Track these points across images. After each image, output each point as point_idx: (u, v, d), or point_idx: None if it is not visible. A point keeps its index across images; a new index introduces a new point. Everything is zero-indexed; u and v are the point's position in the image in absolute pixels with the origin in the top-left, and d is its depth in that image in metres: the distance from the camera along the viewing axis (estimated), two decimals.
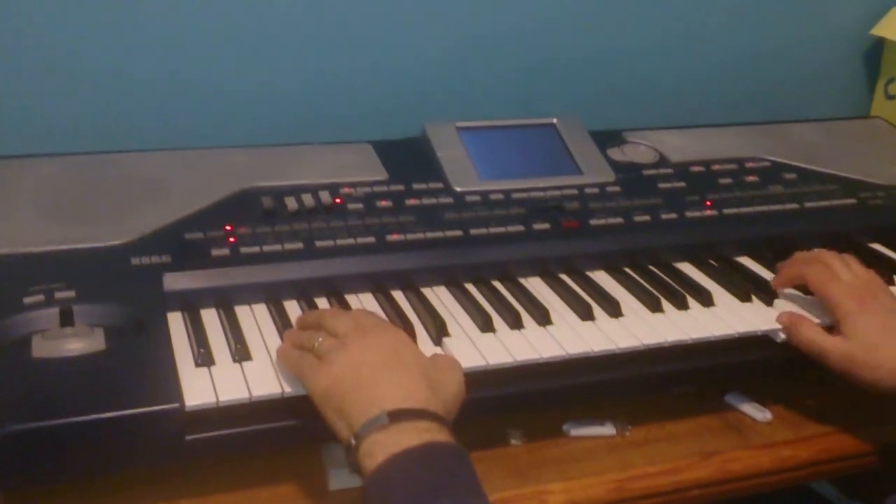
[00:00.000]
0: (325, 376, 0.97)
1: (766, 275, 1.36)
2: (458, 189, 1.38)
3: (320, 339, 1.01)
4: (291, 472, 1.10)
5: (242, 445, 1.03)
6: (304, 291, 1.21)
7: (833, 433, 1.24)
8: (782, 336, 1.22)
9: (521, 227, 1.33)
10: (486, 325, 1.17)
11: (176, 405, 0.97)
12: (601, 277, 1.32)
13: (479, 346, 1.13)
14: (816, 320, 1.23)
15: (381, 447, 0.89)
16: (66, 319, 1.07)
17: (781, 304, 1.29)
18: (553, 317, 1.20)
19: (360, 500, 0.91)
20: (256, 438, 1.03)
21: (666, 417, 1.24)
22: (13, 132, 1.44)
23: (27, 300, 1.08)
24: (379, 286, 1.25)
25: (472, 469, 0.91)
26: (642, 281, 1.31)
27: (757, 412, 1.26)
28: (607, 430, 1.21)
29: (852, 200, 1.53)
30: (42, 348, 1.03)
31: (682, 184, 1.48)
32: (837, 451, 1.23)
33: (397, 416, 0.91)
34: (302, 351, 1.02)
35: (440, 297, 1.24)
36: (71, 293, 1.10)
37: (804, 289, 1.29)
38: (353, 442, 0.92)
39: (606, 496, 1.12)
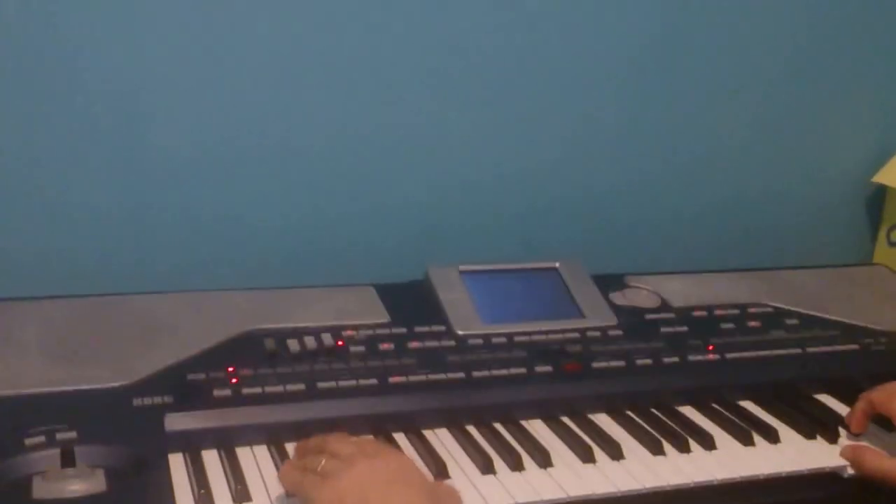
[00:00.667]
0: (329, 492, 0.96)
1: (769, 419, 1.35)
2: (460, 332, 1.39)
3: (323, 462, 1.00)
4: None
5: None
6: (307, 433, 1.20)
7: None
8: (849, 471, 1.23)
9: (523, 370, 1.33)
10: (486, 467, 1.16)
11: None
12: (603, 420, 1.32)
13: (480, 488, 1.12)
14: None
15: None
16: (68, 460, 1.07)
17: (788, 447, 1.28)
18: (554, 459, 1.19)
19: None
20: None
21: None
22: (15, 274, 1.46)
23: (28, 441, 1.08)
24: (380, 428, 1.24)
25: None
26: (644, 424, 1.31)
27: None
28: None
29: (855, 346, 1.53)
30: (43, 489, 1.02)
31: (685, 328, 1.49)
32: None
33: None
34: (305, 472, 1.01)
35: (441, 439, 1.24)
36: (72, 434, 1.10)
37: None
38: None
39: None
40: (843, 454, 1.25)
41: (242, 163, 1.54)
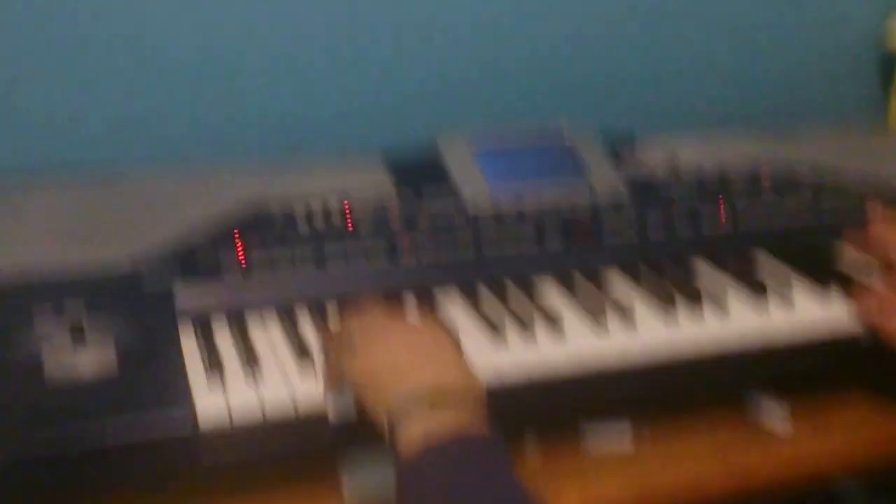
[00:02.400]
0: (363, 359, 0.97)
1: (784, 280, 1.34)
2: (469, 201, 1.37)
3: (355, 328, 1.01)
4: (309, 487, 1.10)
5: (258, 461, 1.03)
6: (317, 307, 1.21)
7: (856, 440, 1.24)
8: (860, 328, 1.23)
9: (533, 239, 1.32)
10: (498, 338, 1.16)
11: (189, 426, 0.97)
12: (615, 288, 1.31)
13: (493, 360, 1.12)
14: None
15: (419, 434, 0.89)
16: (77, 336, 1.07)
17: (802, 309, 1.28)
18: (567, 328, 1.19)
19: (395, 483, 0.90)
20: (272, 454, 1.02)
21: (686, 427, 1.23)
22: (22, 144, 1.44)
23: (37, 317, 1.08)
24: (390, 298, 1.23)
25: (508, 458, 0.90)
26: (657, 290, 1.30)
27: (778, 419, 1.25)
28: (626, 440, 1.20)
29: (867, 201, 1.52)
30: (53, 364, 1.02)
31: (697, 191, 1.47)
32: (861, 458, 1.22)
33: (437, 403, 0.91)
34: (338, 345, 1.02)
35: (452, 310, 1.23)
36: (81, 310, 1.10)
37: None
38: (390, 427, 0.92)
39: None
40: (861, 308, 1.24)
41: (241, 33, 1.51)
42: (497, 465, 0.89)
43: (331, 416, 1.02)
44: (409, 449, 0.89)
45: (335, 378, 1.03)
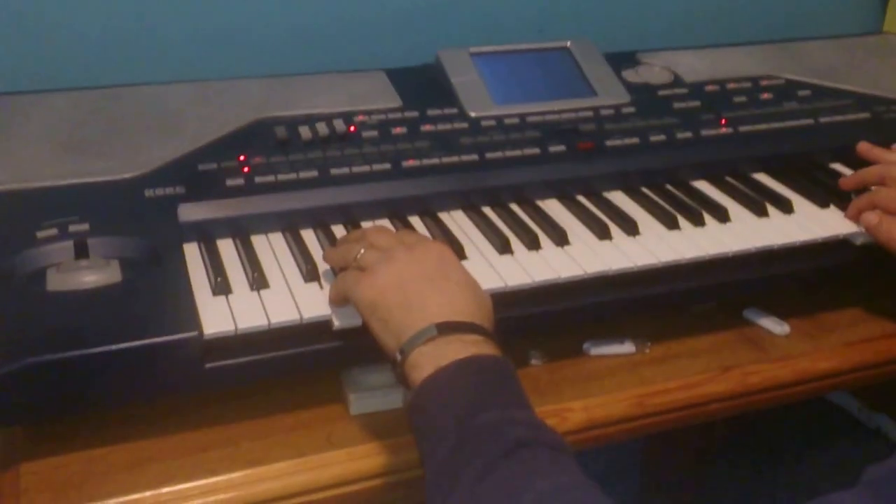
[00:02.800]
0: (370, 287, 0.96)
1: (782, 189, 1.36)
2: (472, 114, 1.37)
3: (362, 252, 1.01)
4: (312, 399, 1.10)
5: (262, 372, 1.04)
6: (321, 219, 1.21)
7: (852, 344, 1.25)
8: (861, 239, 1.25)
9: (536, 150, 1.32)
10: (503, 248, 1.16)
11: (194, 333, 0.97)
12: (618, 197, 1.32)
13: (498, 269, 1.13)
14: None
15: (429, 359, 0.90)
16: (81, 252, 1.07)
17: (802, 217, 1.29)
18: (570, 237, 1.20)
19: (407, 409, 0.92)
20: (276, 365, 1.03)
21: (685, 334, 1.24)
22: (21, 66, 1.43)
23: (40, 234, 1.08)
24: (395, 212, 1.24)
25: (518, 381, 0.91)
26: (659, 199, 1.31)
27: (775, 326, 1.26)
28: (627, 348, 1.21)
29: (866, 115, 1.52)
30: (57, 281, 1.02)
31: (697, 103, 1.47)
32: (856, 362, 1.23)
33: (446, 328, 0.91)
34: (345, 262, 1.03)
35: (457, 222, 1.24)
36: (85, 226, 1.10)
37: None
38: (399, 354, 0.92)
39: (626, 412, 1.13)
40: (864, 219, 1.24)
41: None
42: (506, 383, 0.90)
43: (335, 322, 1.03)
44: (420, 376, 0.90)
45: (341, 298, 1.03)
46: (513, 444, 0.83)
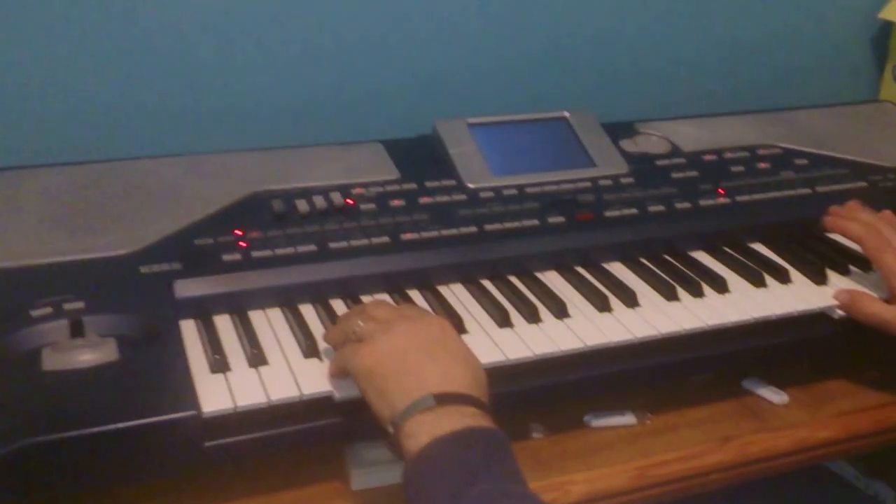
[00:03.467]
0: (368, 355, 0.97)
1: (780, 260, 1.35)
2: (471, 186, 1.37)
3: (361, 324, 1.01)
4: (314, 475, 1.09)
5: (262, 449, 1.02)
6: (319, 294, 1.20)
7: (851, 413, 1.25)
8: (839, 312, 1.24)
9: (535, 222, 1.32)
10: (503, 321, 1.16)
11: (193, 412, 0.96)
12: (617, 268, 1.32)
13: (498, 342, 1.12)
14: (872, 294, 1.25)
15: (425, 429, 0.90)
16: (77, 331, 1.06)
17: (798, 288, 1.29)
18: (570, 309, 1.19)
19: (403, 477, 0.91)
20: (276, 442, 1.02)
21: (685, 405, 1.24)
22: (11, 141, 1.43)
23: (35, 313, 1.07)
24: (395, 286, 1.23)
25: (512, 455, 0.91)
26: (658, 270, 1.30)
27: (774, 395, 1.26)
28: (627, 419, 1.20)
29: (863, 183, 1.52)
30: (53, 361, 1.01)
31: (695, 173, 1.47)
32: (855, 430, 1.23)
33: (443, 399, 0.92)
34: (345, 335, 1.03)
35: (456, 295, 1.23)
36: (80, 304, 1.09)
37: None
38: (395, 423, 0.92)
39: (627, 484, 1.13)
40: (836, 297, 1.25)
41: (242, 19, 1.50)
42: (500, 456, 0.90)
43: (336, 395, 1.02)
44: (416, 446, 0.89)
45: (339, 370, 1.03)
46: None
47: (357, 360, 0.98)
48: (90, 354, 1.02)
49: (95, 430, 0.92)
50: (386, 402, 0.94)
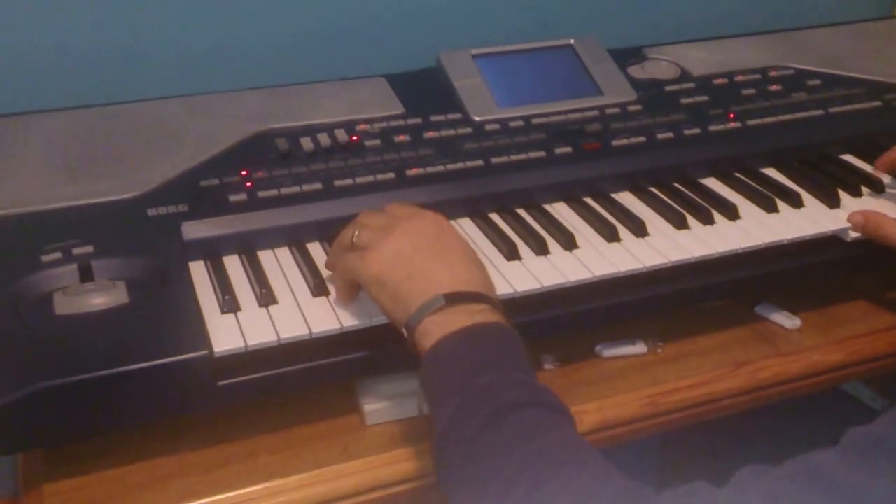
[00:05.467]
0: (376, 262, 0.98)
1: (791, 184, 1.34)
2: (476, 118, 1.36)
3: (357, 233, 1.01)
4: (327, 411, 1.11)
5: (275, 387, 1.04)
6: (326, 232, 1.20)
7: (863, 335, 1.25)
8: (852, 234, 1.23)
9: (542, 153, 1.31)
10: (511, 254, 1.16)
11: (205, 352, 0.97)
12: (625, 198, 1.31)
13: (506, 275, 1.12)
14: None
15: (437, 327, 0.92)
16: (86, 275, 1.07)
17: (810, 212, 1.28)
18: (579, 240, 1.19)
19: (419, 379, 0.94)
20: (288, 380, 1.03)
21: (697, 332, 1.24)
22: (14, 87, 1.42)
23: (45, 258, 1.08)
24: None
25: (521, 347, 0.94)
26: (667, 199, 1.30)
27: (787, 320, 1.26)
28: (639, 348, 1.21)
29: (877, 103, 1.50)
30: (65, 305, 1.02)
31: (705, 97, 1.46)
32: (868, 352, 1.24)
33: (453, 298, 0.94)
34: (344, 250, 1.03)
35: (464, 229, 1.23)
36: (89, 248, 1.09)
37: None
38: (409, 326, 0.94)
39: (639, 412, 1.14)
40: (850, 219, 1.24)
41: None
42: (509, 349, 0.93)
43: (343, 324, 1.04)
44: (429, 343, 0.92)
45: (348, 286, 1.04)
46: (510, 405, 0.86)
47: (365, 269, 0.99)
48: (101, 298, 1.03)
49: (109, 372, 0.93)
50: (400, 305, 0.96)
